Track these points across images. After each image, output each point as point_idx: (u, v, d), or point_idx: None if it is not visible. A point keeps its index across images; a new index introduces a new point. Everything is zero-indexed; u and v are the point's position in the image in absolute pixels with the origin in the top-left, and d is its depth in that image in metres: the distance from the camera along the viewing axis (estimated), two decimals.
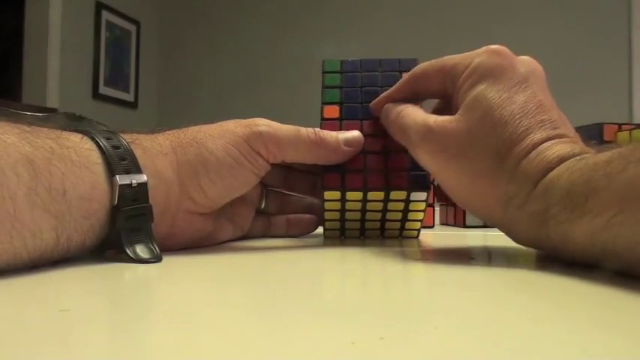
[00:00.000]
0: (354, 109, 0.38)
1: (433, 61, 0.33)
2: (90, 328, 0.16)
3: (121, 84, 3.03)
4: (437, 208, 0.56)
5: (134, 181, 0.28)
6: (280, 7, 3.07)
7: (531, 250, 0.34)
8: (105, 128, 0.31)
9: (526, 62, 0.31)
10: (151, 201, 0.29)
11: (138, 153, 0.30)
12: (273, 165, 0.35)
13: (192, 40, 3.23)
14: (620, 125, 0.57)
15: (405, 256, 0.32)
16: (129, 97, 3.08)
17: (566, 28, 2.60)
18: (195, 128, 0.34)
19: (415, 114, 0.32)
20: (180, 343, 0.14)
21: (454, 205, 0.54)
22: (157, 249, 0.29)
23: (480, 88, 0.29)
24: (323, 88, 0.39)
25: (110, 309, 0.19)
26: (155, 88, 3.28)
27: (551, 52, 2.59)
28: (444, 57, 0.33)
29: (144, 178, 0.29)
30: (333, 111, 0.38)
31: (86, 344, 0.15)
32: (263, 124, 0.34)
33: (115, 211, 0.28)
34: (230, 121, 0.36)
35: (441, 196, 0.57)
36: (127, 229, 0.28)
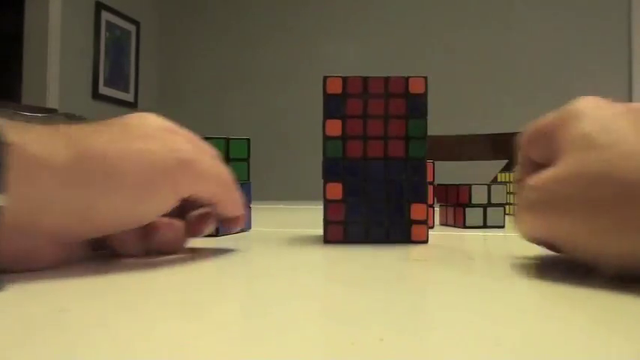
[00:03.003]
0: (356, 185, 0.38)
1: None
2: (90, 328, 0.16)
3: (121, 84, 3.03)
4: (437, 209, 0.56)
5: None
6: (280, 7, 3.07)
7: (530, 249, 0.34)
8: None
9: None
10: (11, 221, 0.22)
11: (16, 161, 0.22)
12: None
13: (192, 40, 3.23)
14: None
15: (405, 257, 0.32)
16: (129, 97, 3.08)
17: (566, 27, 2.60)
18: (111, 135, 0.28)
19: None
20: (181, 343, 0.14)
21: (454, 205, 0.54)
22: None
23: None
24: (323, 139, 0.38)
25: (110, 309, 0.19)
26: (155, 88, 3.28)
27: (551, 52, 2.59)
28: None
29: (2, 199, 0.22)
30: (336, 191, 0.38)
31: (86, 344, 0.15)
32: (187, 150, 0.29)
33: None
34: (153, 124, 0.30)
35: (440, 196, 0.57)
36: None
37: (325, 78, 0.38)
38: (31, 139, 0.24)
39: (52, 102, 2.54)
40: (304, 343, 0.15)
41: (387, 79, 0.38)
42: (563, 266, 0.27)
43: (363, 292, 0.22)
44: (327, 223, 0.38)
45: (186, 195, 0.29)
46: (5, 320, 0.17)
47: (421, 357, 0.13)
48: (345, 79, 0.38)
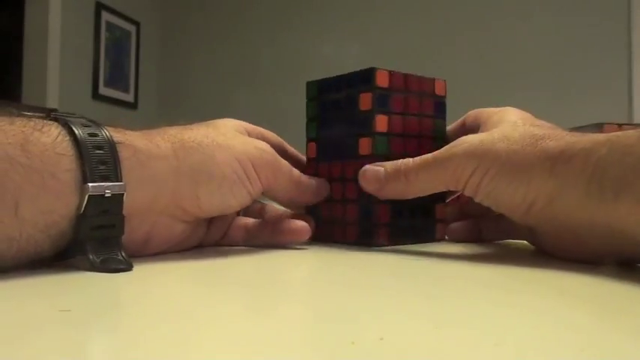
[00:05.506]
0: (327, 149, 0.39)
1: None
2: (90, 328, 0.16)
3: (121, 84, 3.03)
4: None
5: (108, 192, 0.26)
6: (280, 7, 3.07)
7: (529, 248, 0.34)
8: (92, 120, 0.27)
9: None
10: (130, 207, 0.27)
11: (126, 154, 0.27)
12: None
13: (192, 41, 3.23)
14: (620, 125, 0.57)
15: (403, 257, 0.32)
16: (129, 97, 3.08)
17: (566, 27, 2.60)
18: (202, 131, 0.32)
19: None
20: (180, 344, 0.14)
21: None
22: (126, 258, 0.26)
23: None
24: (307, 120, 0.40)
25: (110, 309, 0.19)
26: (155, 89, 3.28)
27: (551, 52, 2.59)
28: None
29: (120, 187, 0.26)
30: (312, 150, 0.40)
31: (86, 344, 0.15)
32: (269, 151, 0.34)
33: (79, 220, 0.25)
34: (235, 126, 0.36)
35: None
36: (92, 239, 0.26)
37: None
38: (133, 137, 0.28)
39: (52, 102, 2.54)
40: (304, 342, 0.15)
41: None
42: (563, 261, 0.27)
43: (363, 292, 0.22)
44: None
45: (265, 187, 0.34)
46: (6, 320, 0.17)
47: (421, 357, 0.13)
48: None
